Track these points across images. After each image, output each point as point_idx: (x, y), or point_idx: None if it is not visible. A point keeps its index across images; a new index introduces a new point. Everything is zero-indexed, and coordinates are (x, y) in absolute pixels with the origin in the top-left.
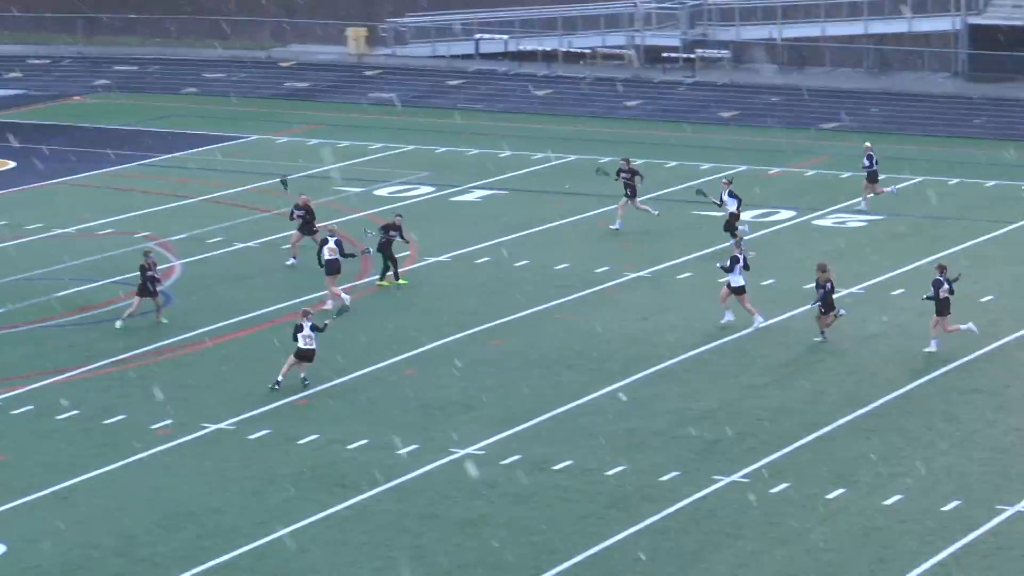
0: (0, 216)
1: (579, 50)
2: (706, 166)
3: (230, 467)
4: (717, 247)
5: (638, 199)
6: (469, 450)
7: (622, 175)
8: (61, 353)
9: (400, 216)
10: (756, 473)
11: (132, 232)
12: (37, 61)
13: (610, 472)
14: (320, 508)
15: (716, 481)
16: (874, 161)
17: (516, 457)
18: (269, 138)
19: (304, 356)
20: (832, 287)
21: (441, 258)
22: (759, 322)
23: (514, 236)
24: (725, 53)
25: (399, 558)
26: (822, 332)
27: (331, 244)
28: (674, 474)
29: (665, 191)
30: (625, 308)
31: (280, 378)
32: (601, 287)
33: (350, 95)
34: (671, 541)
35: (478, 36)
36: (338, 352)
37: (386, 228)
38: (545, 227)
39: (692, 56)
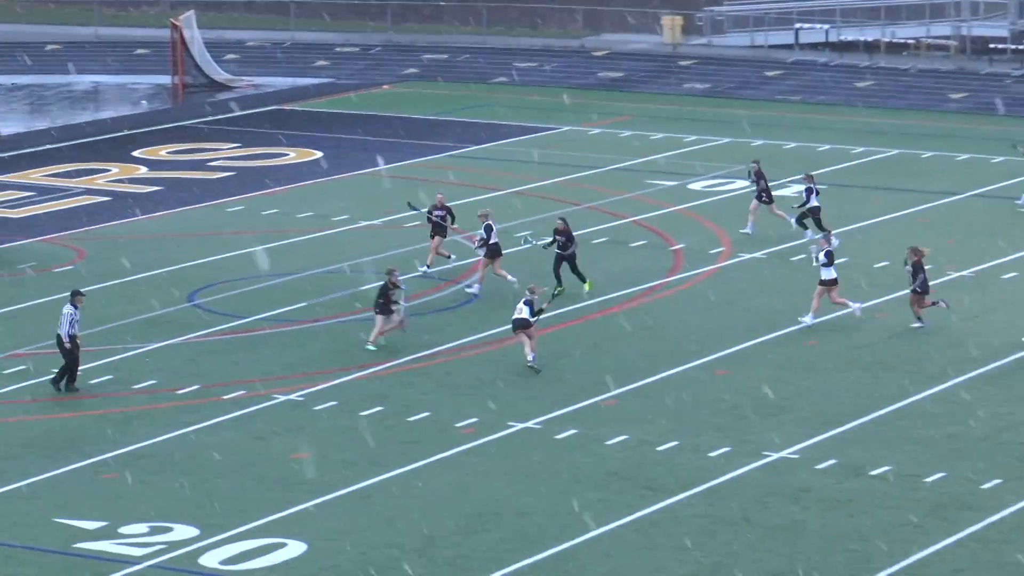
0: (306, 207)
1: (902, 40)
2: None
3: (535, 467)
4: None
5: (775, 204)
6: (783, 453)
7: (752, 178)
8: (364, 348)
9: (562, 220)
10: None
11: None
12: (345, 49)
13: (928, 479)
14: (628, 511)
15: None
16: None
17: (831, 462)
18: (581, 129)
19: (520, 325)
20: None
21: (756, 254)
22: (857, 308)
23: (834, 233)
24: None
25: (708, 564)
26: (918, 317)
27: (495, 229)
28: (996, 482)
29: (989, 188)
30: (947, 309)
31: (531, 356)
32: None
33: (664, 85)
34: (992, 552)
35: (797, 26)
36: (642, 352)
37: (556, 234)
38: (864, 224)
39: (1021, 47)
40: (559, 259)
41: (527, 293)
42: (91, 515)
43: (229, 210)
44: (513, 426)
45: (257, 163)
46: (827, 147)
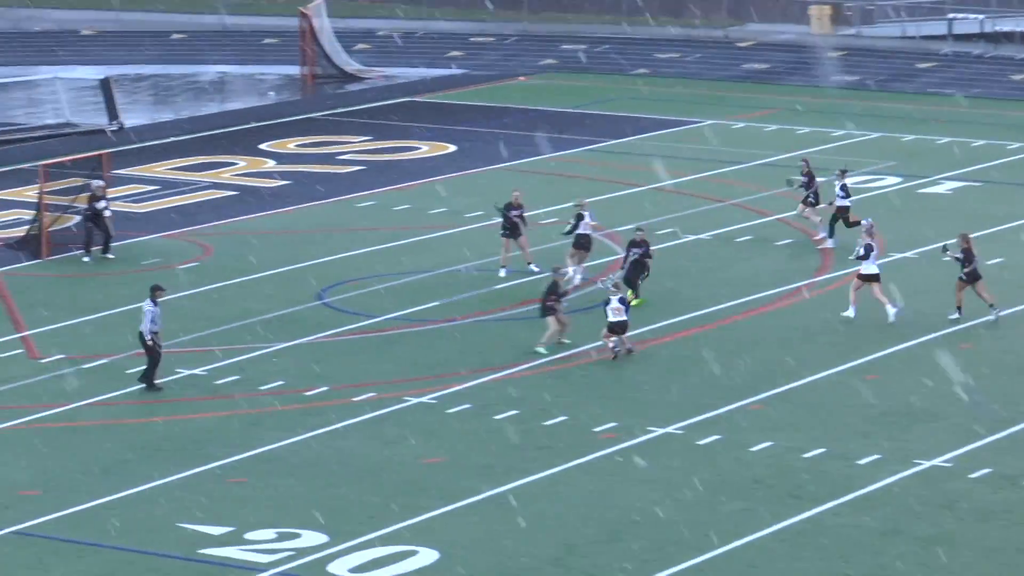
0: (439, 203)
1: None
2: None
3: (677, 475)
4: None
5: (815, 207)
6: (935, 461)
7: (801, 178)
8: (500, 349)
9: (641, 231)
10: None
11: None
12: (480, 39)
13: None
14: (773, 520)
15: None
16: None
17: (986, 471)
18: (724, 123)
19: (617, 329)
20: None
21: (907, 254)
22: (895, 309)
23: (987, 232)
24: None
25: None
26: (958, 308)
27: (587, 220)
28: None
29: None
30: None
31: (620, 349)
32: None
33: (811, 78)
34: None
35: (951, 16)
36: (788, 355)
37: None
38: (1020, 223)
39: None
40: (636, 266)
41: (613, 290)
42: (216, 520)
43: (359, 206)
44: (653, 431)
45: (388, 157)
46: (982, 143)
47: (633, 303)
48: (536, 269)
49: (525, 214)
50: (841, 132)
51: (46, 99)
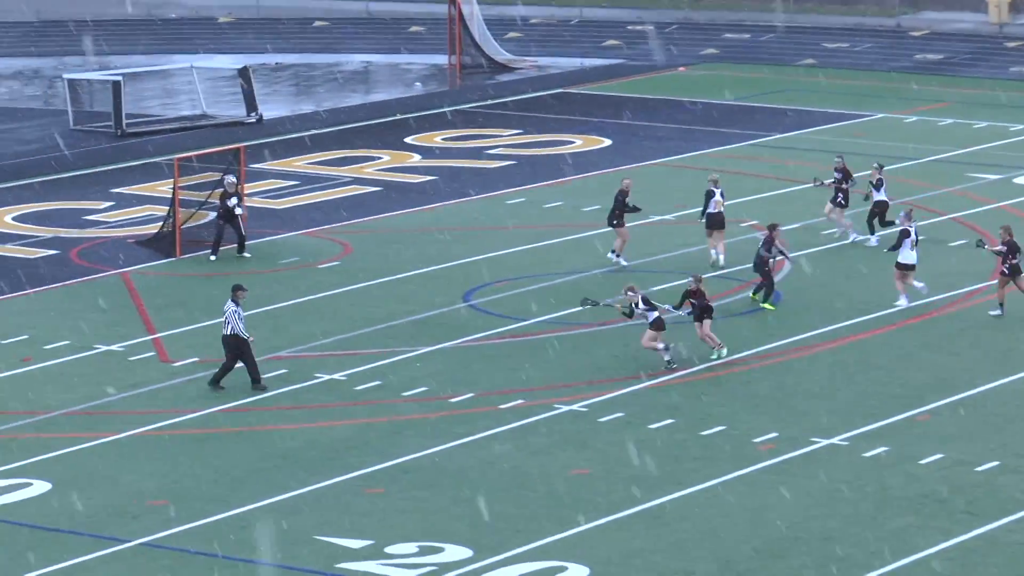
0: (592, 200)
1: None
2: None
3: (841, 488)
4: None
5: (844, 208)
6: None
7: (835, 173)
8: (654, 355)
9: (772, 227)
10: None
11: (737, 220)
12: (638, 27)
13: None
14: (942, 537)
15: None
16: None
17: None
18: (896, 117)
19: (657, 326)
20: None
21: None
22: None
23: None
24: None
25: None
26: (1001, 304)
27: (718, 196)
28: None
29: None
30: None
31: (665, 351)
32: None
33: (989, 69)
34: None
35: None
36: (961, 362)
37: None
38: None
39: None
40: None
41: (629, 293)
42: (355, 533)
43: (509, 202)
44: (817, 442)
45: (540, 151)
46: None
47: (763, 304)
48: (623, 262)
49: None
50: (1020, 127)
51: (181, 89)
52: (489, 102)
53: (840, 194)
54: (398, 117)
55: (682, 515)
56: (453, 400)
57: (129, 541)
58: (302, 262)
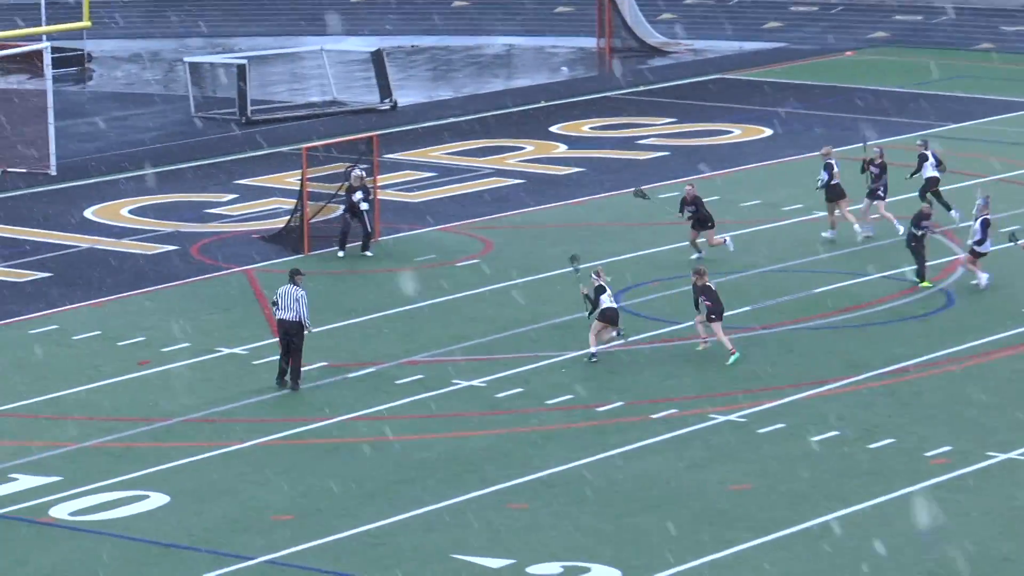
0: (751, 194)
1: None
2: None
3: (1020, 505)
4: None
5: (884, 200)
6: None
7: (871, 169)
8: (820, 360)
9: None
10: None
11: (905, 216)
12: (801, 8)
13: None
14: None
15: None
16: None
17: None
18: None
19: (610, 319)
20: None
21: None
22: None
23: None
24: None
25: None
26: None
27: (837, 169)
28: None
29: None
30: None
31: (594, 350)
32: None
33: None
34: None
35: None
36: None
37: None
38: None
39: None
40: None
41: (595, 278)
42: (495, 552)
43: (661, 196)
44: (994, 456)
45: (695, 142)
46: None
47: (923, 284)
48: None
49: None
50: None
51: (311, 74)
52: (641, 88)
53: (882, 188)
54: (543, 104)
55: (847, 535)
56: (601, 409)
57: (252, 559)
58: (439, 260)
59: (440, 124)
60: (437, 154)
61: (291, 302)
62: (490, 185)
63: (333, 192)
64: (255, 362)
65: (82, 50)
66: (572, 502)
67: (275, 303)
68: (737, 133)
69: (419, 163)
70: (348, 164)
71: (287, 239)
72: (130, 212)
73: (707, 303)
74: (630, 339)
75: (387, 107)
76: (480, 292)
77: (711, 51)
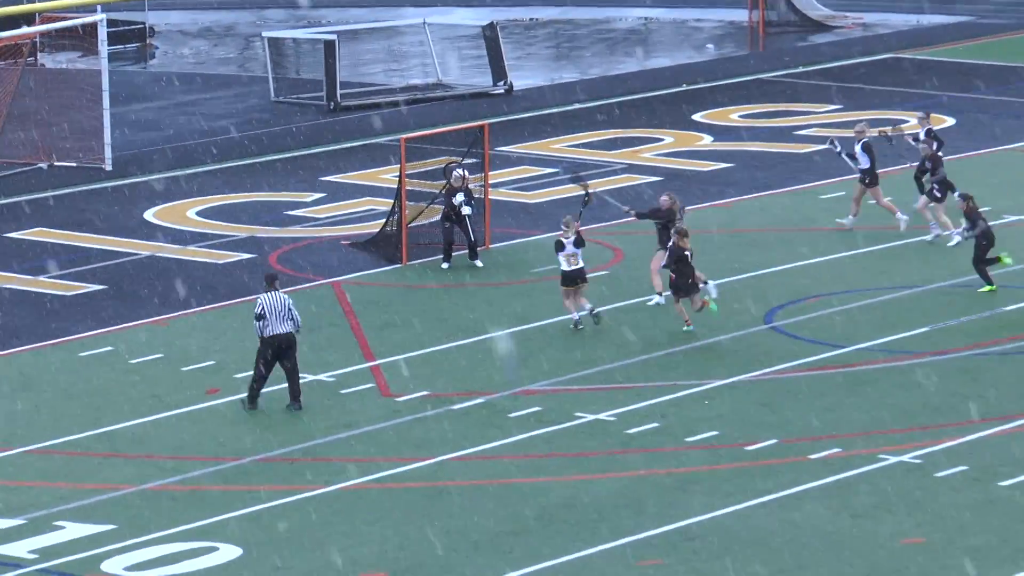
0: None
1: None
2: None
3: None
4: None
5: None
6: None
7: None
8: (1010, 391)
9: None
10: None
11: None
12: None
13: None
14: None
15: None
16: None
17: None
18: None
19: (570, 280)
20: None
21: None
22: None
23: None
24: None
25: None
26: None
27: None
28: None
29: None
30: None
31: (576, 315)
32: None
33: None
34: None
35: None
36: None
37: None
38: None
39: None
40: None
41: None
42: None
43: (824, 196)
44: None
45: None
46: None
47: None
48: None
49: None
50: None
51: (411, 52)
52: (800, 70)
53: (936, 187)
54: (685, 88)
55: None
56: (750, 448)
57: None
58: (559, 269)
59: (563, 111)
60: (559, 146)
61: (284, 311)
62: (622, 183)
63: (437, 192)
64: (343, 391)
65: (143, 23)
66: (715, 557)
67: (260, 316)
68: (912, 123)
69: (538, 157)
70: (453, 159)
71: (382, 247)
72: (198, 214)
73: (672, 275)
74: (783, 366)
75: (501, 91)
76: (609, 309)
77: (883, 26)
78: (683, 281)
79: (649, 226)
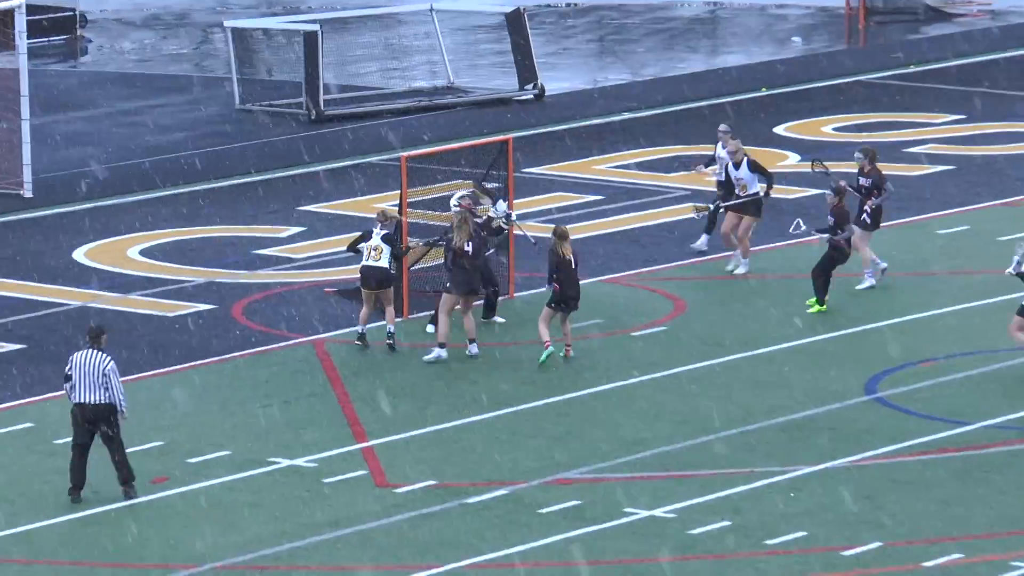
0: None
1: None
2: None
3: None
4: None
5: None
6: None
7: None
8: None
9: None
10: None
11: None
12: None
13: None
14: None
15: None
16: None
17: None
18: None
19: (369, 279)
20: None
21: None
22: None
23: None
24: None
25: None
26: None
27: None
28: None
29: None
30: None
31: (361, 328)
32: None
33: None
34: None
35: None
36: None
37: None
38: None
39: None
40: None
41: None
42: None
43: (943, 232)
44: None
45: (991, 150)
46: None
47: None
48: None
49: None
50: None
51: (416, 46)
52: (912, 69)
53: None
54: (764, 93)
55: None
56: (848, 553)
57: None
58: (605, 327)
59: (607, 123)
60: (601, 167)
61: (96, 376)
62: (684, 215)
63: (447, 227)
64: (327, 479)
65: (73, 10)
66: None
67: (68, 378)
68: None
69: (576, 180)
70: (470, 184)
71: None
72: (141, 253)
73: (555, 284)
74: (889, 448)
75: (529, 96)
76: (665, 376)
77: (1017, 13)
78: (564, 295)
79: (713, 271)
